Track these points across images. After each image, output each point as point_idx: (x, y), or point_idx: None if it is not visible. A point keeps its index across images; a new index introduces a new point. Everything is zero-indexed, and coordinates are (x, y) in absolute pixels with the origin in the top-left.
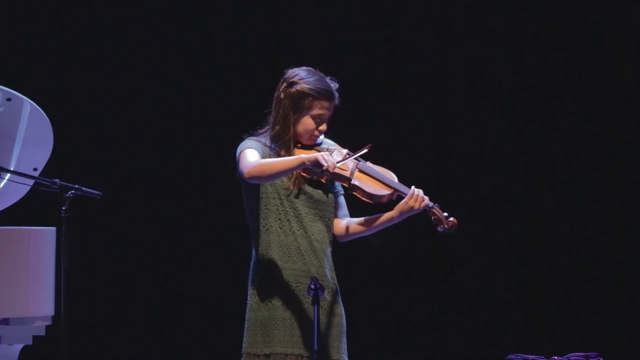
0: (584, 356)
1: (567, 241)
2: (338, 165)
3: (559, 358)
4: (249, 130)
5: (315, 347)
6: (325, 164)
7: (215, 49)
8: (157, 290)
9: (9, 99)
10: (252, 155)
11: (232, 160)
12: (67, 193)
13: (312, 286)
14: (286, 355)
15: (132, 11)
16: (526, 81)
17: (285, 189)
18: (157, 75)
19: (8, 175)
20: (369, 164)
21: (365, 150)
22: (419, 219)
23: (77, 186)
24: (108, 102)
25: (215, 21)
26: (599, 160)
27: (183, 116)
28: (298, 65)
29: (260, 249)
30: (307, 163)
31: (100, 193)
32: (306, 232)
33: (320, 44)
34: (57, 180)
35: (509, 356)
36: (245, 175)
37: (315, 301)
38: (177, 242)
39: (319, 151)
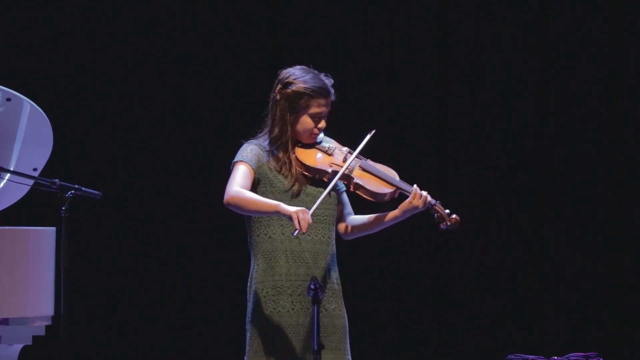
0: (583, 356)
1: (567, 241)
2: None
3: (559, 358)
4: (249, 131)
5: (315, 347)
6: (297, 226)
7: (214, 49)
8: (157, 290)
9: (8, 99)
10: (240, 177)
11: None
12: (67, 193)
13: (312, 286)
14: None
15: (131, 11)
16: (526, 82)
17: (286, 191)
18: (157, 76)
19: (8, 175)
20: (370, 162)
21: (363, 144)
22: (421, 217)
23: (76, 186)
24: (108, 102)
25: (215, 20)
26: (599, 161)
27: (183, 116)
28: (296, 65)
29: (262, 257)
30: (282, 214)
31: (100, 193)
32: (310, 234)
33: (320, 45)
34: (56, 180)
35: (509, 356)
36: (224, 202)
37: (316, 301)
38: (177, 243)
39: (320, 149)
